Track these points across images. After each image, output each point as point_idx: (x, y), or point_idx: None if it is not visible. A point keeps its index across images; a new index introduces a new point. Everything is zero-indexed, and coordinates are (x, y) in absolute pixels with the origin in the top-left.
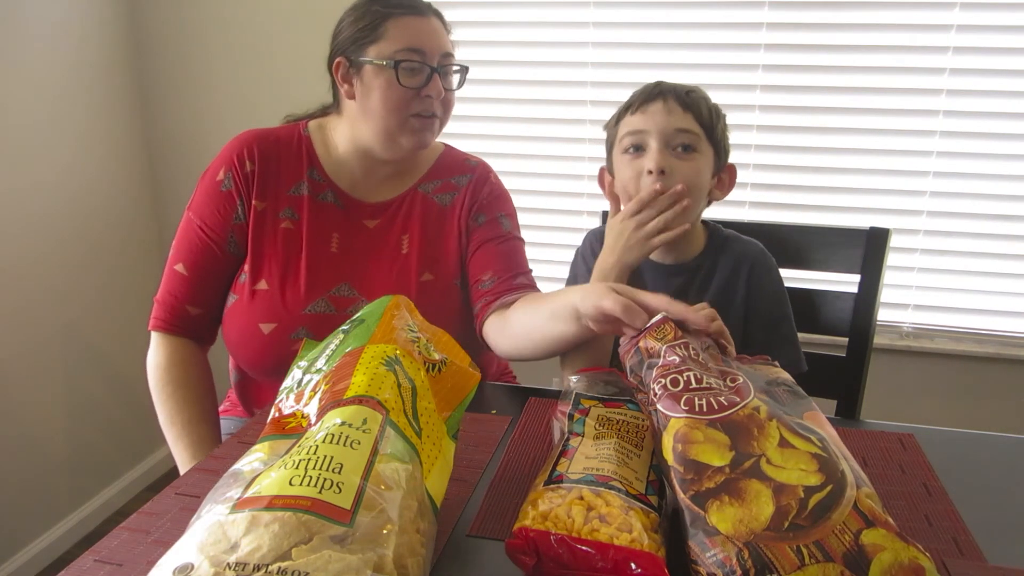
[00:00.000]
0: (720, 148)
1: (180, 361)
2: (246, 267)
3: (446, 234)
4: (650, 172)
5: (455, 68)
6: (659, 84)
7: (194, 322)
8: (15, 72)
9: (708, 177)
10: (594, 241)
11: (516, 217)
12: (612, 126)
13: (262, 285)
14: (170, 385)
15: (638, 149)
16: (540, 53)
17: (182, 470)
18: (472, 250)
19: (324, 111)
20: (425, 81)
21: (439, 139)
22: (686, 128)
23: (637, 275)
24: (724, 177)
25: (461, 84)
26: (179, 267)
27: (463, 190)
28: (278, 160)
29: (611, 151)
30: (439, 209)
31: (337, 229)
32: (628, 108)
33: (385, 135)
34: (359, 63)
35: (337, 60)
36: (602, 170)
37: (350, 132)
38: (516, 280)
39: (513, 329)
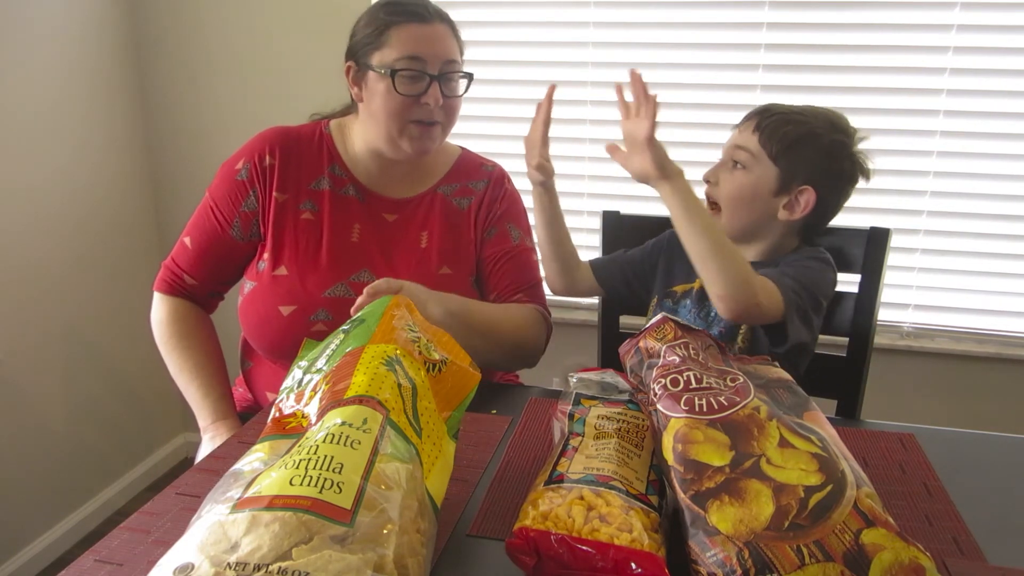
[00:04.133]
0: (790, 169)
1: (180, 316)
2: (265, 254)
3: (463, 235)
4: (706, 180)
5: (459, 75)
6: (761, 105)
7: (190, 290)
8: (15, 72)
9: (760, 193)
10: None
11: (526, 219)
12: None
13: (281, 271)
14: (174, 337)
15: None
16: (540, 53)
17: (198, 415)
18: (484, 266)
19: (346, 110)
20: (424, 89)
21: (457, 143)
22: (743, 146)
23: None
24: (798, 198)
25: (466, 90)
26: (186, 239)
27: (479, 195)
28: (299, 156)
29: None
30: (457, 212)
31: (358, 220)
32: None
33: (387, 138)
34: (364, 68)
35: (348, 64)
36: None
37: (363, 132)
38: (515, 297)
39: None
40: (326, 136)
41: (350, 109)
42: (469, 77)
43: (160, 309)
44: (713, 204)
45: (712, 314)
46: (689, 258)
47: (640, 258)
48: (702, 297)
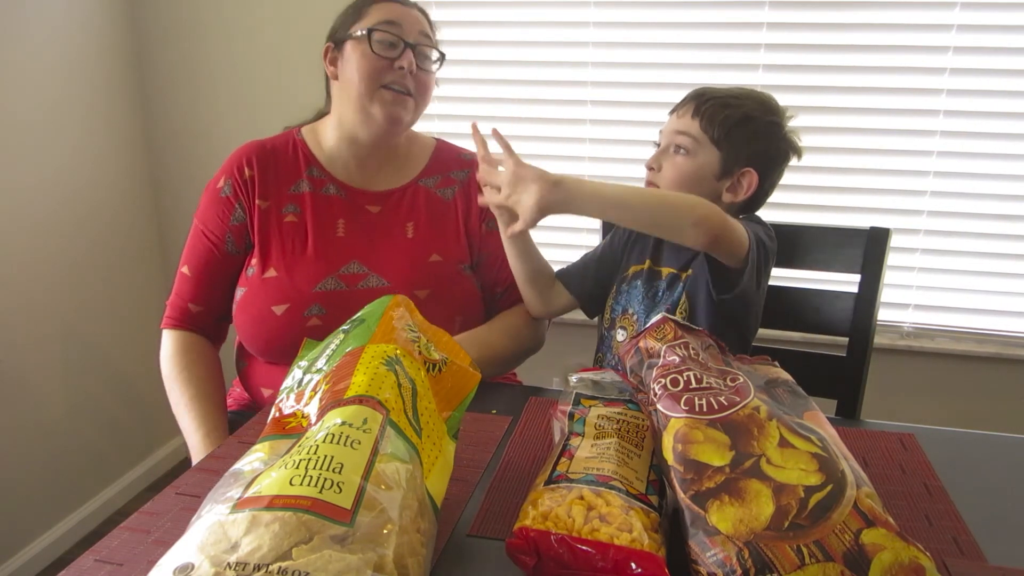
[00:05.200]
0: (732, 153)
1: (186, 351)
2: (253, 261)
3: (450, 224)
4: (649, 168)
5: (434, 55)
6: (694, 90)
7: (196, 319)
8: (15, 72)
9: (704, 176)
10: None
11: None
12: None
13: (271, 273)
14: (175, 369)
15: (657, 146)
16: (540, 53)
17: (190, 445)
18: (487, 260)
19: (319, 116)
20: (399, 54)
21: (458, 143)
22: (684, 131)
23: (660, 248)
24: (740, 180)
25: (438, 68)
26: (184, 269)
27: (463, 185)
28: (276, 164)
29: None
30: (442, 202)
31: (342, 216)
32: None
33: (359, 107)
34: (342, 41)
35: (327, 45)
36: None
37: (336, 120)
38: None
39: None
40: (299, 142)
41: (323, 113)
42: (442, 56)
43: (167, 345)
44: (651, 184)
45: (659, 294)
46: (648, 239)
47: (606, 252)
48: (651, 277)
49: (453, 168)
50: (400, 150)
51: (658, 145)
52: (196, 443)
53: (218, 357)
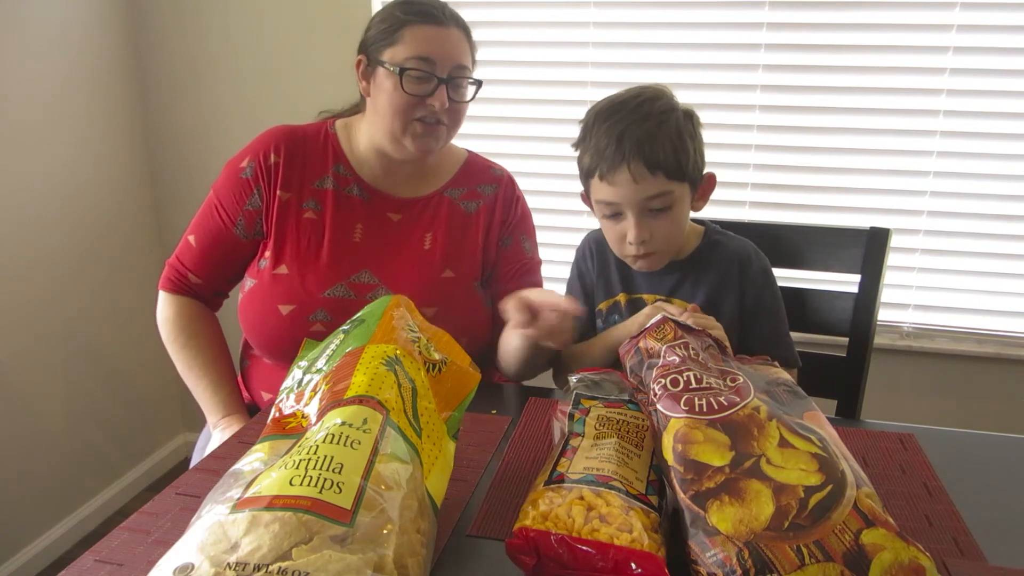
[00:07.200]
0: (696, 176)
1: (187, 315)
2: (267, 253)
3: (469, 239)
4: (631, 243)
5: (469, 81)
6: (620, 145)
7: (195, 288)
8: (15, 72)
9: (688, 207)
10: (591, 243)
11: (535, 233)
12: (583, 176)
13: (282, 269)
14: (182, 336)
15: (616, 215)
16: (541, 53)
17: (208, 412)
18: (498, 277)
19: (354, 109)
20: (431, 91)
21: (463, 145)
22: (657, 193)
23: (631, 276)
24: (706, 188)
25: (473, 96)
26: (191, 238)
27: (489, 200)
28: (304, 155)
29: (583, 182)
30: (464, 215)
31: (361, 220)
32: (595, 170)
33: (391, 136)
34: (375, 63)
35: (359, 57)
36: (583, 195)
37: (368, 129)
38: None
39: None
40: (331, 135)
41: (358, 108)
42: (478, 84)
43: (166, 308)
44: (648, 254)
45: None
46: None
47: (584, 295)
48: (635, 306)
49: (481, 182)
50: (429, 162)
51: (616, 214)
52: (217, 404)
53: (217, 320)
